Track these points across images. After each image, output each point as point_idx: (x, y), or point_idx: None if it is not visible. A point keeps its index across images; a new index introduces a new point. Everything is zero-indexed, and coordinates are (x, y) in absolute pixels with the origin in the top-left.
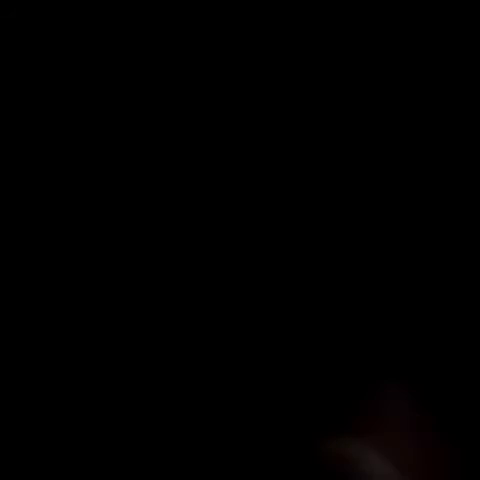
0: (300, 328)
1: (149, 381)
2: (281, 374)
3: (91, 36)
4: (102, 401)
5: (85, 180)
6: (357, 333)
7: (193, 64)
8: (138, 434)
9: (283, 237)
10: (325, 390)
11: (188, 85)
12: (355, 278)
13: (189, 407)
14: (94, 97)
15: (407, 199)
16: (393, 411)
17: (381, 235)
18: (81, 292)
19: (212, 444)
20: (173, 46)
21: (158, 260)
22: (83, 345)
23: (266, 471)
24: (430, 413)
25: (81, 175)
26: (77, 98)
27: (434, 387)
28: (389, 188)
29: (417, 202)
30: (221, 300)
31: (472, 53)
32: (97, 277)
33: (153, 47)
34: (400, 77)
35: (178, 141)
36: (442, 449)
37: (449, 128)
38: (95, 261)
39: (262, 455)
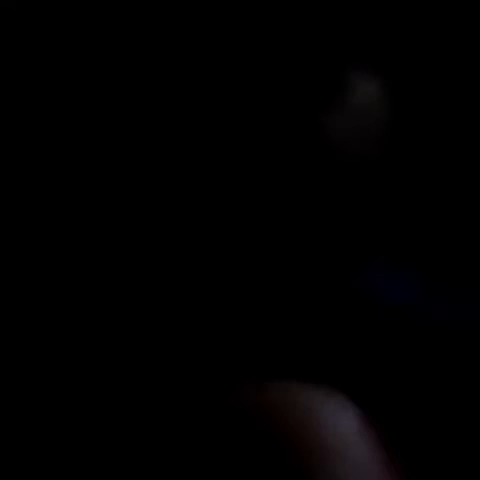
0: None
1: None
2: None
3: (91, 29)
4: (102, 398)
5: (85, 179)
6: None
7: (192, 65)
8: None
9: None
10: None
11: (187, 85)
12: None
13: None
14: (94, 90)
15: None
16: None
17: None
18: (81, 290)
19: None
20: (172, 46)
21: (155, 258)
22: (83, 343)
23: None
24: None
25: (81, 174)
26: (77, 91)
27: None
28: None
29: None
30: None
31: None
32: (97, 275)
33: (152, 45)
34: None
35: (176, 141)
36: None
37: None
38: (95, 259)
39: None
